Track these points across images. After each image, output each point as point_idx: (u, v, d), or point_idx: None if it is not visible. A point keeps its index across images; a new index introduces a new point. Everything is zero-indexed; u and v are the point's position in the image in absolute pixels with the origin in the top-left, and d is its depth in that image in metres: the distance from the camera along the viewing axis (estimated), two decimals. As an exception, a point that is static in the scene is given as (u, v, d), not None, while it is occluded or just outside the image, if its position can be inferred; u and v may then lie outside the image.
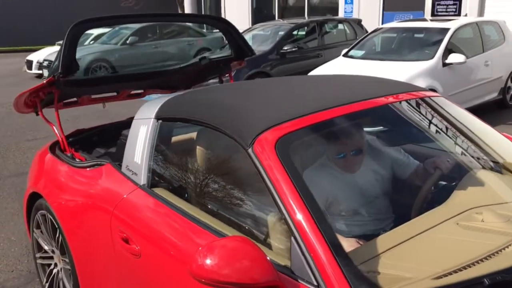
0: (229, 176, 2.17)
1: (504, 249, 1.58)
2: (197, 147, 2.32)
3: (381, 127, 2.57)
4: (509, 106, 7.98)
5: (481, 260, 1.53)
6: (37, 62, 13.30)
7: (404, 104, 2.27)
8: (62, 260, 2.69)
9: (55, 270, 2.83)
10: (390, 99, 2.22)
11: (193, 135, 2.41)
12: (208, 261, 1.42)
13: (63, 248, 2.61)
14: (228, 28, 3.46)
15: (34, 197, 2.87)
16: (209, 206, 2.07)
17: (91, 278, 2.43)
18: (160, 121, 2.26)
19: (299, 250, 1.49)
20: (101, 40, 12.81)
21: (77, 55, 2.93)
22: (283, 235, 1.89)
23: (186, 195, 2.17)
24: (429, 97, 2.39)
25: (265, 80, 2.68)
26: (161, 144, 2.26)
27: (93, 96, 3.43)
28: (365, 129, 2.42)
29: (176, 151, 2.44)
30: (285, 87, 2.47)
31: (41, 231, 2.88)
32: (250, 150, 1.75)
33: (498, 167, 2.20)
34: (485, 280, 1.40)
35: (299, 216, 1.53)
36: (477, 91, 7.03)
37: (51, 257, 2.86)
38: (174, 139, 2.39)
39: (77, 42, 2.91)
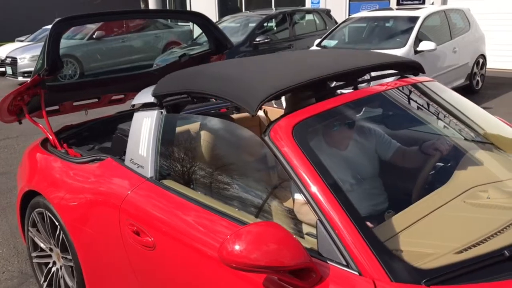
0: (239, 163, 2.20)
1: (515, 222, 1.67)
2: (203, 136, 2.33)
3: (378, 113, 2.64)
4: (476, 92, 8.28)
5: (496, 234, 1.61)
6: (-2, 60, 12.86)
7: (400, 90, 2.34)
8: (63, 257, 2.65)
9: (54, 269, 2.79)
10: (388, 86, 2.29)
11: (198, 125, 2.42)
12: (237, 247, 1.44)
13: (64, 246, 2.57)
14: (206, 23, 3.49)
15: (28, 196, 2.81)
16: (221, 194, 2.09)
17: (98, 273, 2.41)
18: (164, 112, 2.25)
19: (325, 232, 1.53)
20: (65, 35, 12.45)
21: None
22: (293, 218, 1.95)
23: (196, 185, 2.18)
24: (422, 82, 2.47)
25: (259, 56, 2.74)
26: (167, 136, 2.26)
27: (75, 104, 3.41)
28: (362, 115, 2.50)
29: (182, 142, 2.44)
30: (281, 59, 2.54)
31: (38, 230, 2.83)
32: (266, 138, 1.78)
33: (493, 148, 2.30)
34: (505, 251, 1.48)
35: (324, 201, 1.57)
36: (447, 77, 7.26)
37: (49, 256, 2.82)
38: (178, 129, 2.39)
39: (60, 40, 2.90)
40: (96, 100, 3.56)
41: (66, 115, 3.55)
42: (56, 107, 3.36)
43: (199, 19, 3.51)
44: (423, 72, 2.58)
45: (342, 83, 2.36)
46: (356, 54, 2.63)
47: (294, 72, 2.10)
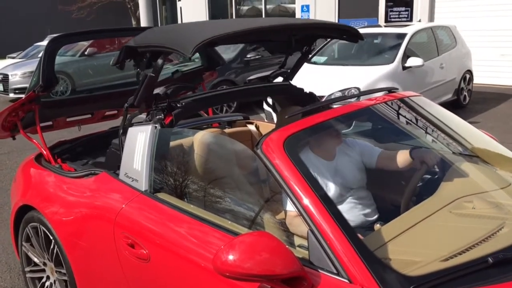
0: (232, 176, 2.25)
1: (498, 231, 1.74)
2: (196, 150, 2.38)
3: (366, 127, 2.72)
4: (464, 106, 8.42)
5: (480, 242, 1.67)
6: (-10, 76, 12.85)
7: (388, 104, 2.41)
8: (57, 271, 2.67)
9: (47, 283, 2.80)
10: (377, 101, 2.36)
11: (191, 139, 2.47)
12: (230, 257, 1.49)
13: (58, 260, 2.59)
14: None
15: (22, 211, 2.83)
16: (214, 207, 2.14)
17: (92, 286, 2.43)
18: (159, 127, 2.30)
19: (316, 242, 1.58)
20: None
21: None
22: (285, 230, 2.00)
23: (190, 197, 2.22)
24: (409, 97, 2.54)
25: (202, 21, 3.04)
26: (161, 150, 2.30)
27: (68, 119, 3.46)
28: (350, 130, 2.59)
29: (175, 155, 2.49)
30: (221, 21, 2.89)
31: (31, 244, 2.85)
32: (258, 151, 1.83)
33: (478, 161, 2.37)
34: (489, 259, 1.54)
35: (315, 211, 1.62)
36: (434, 92, 7.39)
37: (43, 270, 2.83)
38: (172, 143, 2.44)
39: (55, 57, 2.95)
40: (90, 115, 3.61)
41: (59, 131, 3.59)
42: (50, 123, 3.40)
43: None
44: (361, 38, 2.88)
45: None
46: (296, 19, 3.24)
47: (230, 27, 2.40)
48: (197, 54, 3.78)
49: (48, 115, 3.25)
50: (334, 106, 2.41)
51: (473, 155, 2.40)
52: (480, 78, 10.02)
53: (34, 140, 3.10)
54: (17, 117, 3.09)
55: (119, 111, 3.75)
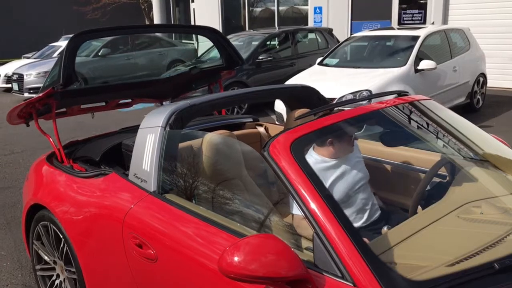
0: (240, 178, 2.26)
1: (506, 237, 1.72)
2: (205, 151, 2.39)
3: (375, 131, 2.71)
4: (476, 110, 8.34)
5: (487, 247, 1.66)
6: (5, 76, 13.04)
7: (398, 108, 2.40)
8: (66, 270, 2.70)
9: (57, 281, 2.84)
10: (387, 104, 2.35)
11: (200, 140, 2.48)
12: (236, 258, 1.50)
13: (68, 258, 2.62)
14: (219, 38, 3.56)
15: (33, 210, 2.87)
16: (222, 208, 2.15)
17: (101, 285, 2.45)
18: (168, 129, 2.32)
19: (321, 245, 1.59)
20: (71, 52, 12.60)
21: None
22: (293, 233, 2.00)
23: (198, 199, 2.24)
24: (419, 100, 2.53)
25: None
26: (170, 151, 2.32)
27: (82, 106, 3.47)
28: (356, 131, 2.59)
29: (184, 157, 2.50)
30: None
31: (42, 243, 2.88)
32: (265, 153, 1.84)
33: (488, 165, 2.35)
34: (495, 264, 1.52)
35: (320, 214, 1.62)
36: (447, 95, 7.33)
37: (53, 268, 2.87)
38: (181, 145, 2.46)
39: (76, 54, 2.95)
40: (103, 103, 3.63)
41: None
42: (64, 110, 3.40)
43: (213, 34, 3.58)
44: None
45: None
46: None
47: None
48: (207, 56, 3.80)
49: (64, 103, 3.24)
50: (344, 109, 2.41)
51: (483, 160, 2.38)
52: (494, 82, 9.91)
53: (50, 139, 3.10)
54: (34, 109, 3.10)
55: (133, 99, 3.76)
